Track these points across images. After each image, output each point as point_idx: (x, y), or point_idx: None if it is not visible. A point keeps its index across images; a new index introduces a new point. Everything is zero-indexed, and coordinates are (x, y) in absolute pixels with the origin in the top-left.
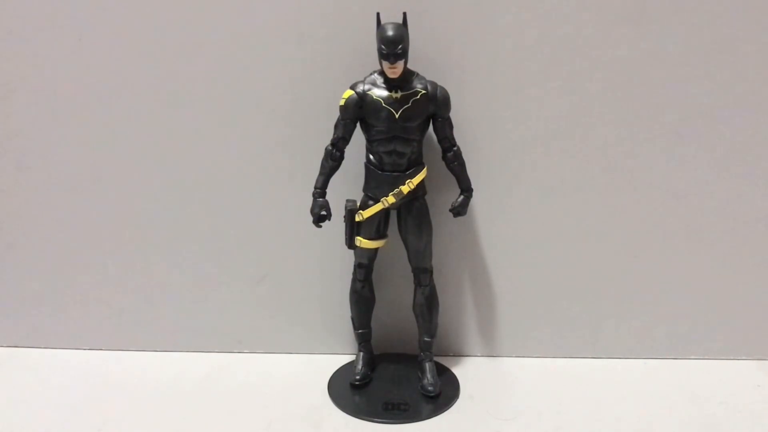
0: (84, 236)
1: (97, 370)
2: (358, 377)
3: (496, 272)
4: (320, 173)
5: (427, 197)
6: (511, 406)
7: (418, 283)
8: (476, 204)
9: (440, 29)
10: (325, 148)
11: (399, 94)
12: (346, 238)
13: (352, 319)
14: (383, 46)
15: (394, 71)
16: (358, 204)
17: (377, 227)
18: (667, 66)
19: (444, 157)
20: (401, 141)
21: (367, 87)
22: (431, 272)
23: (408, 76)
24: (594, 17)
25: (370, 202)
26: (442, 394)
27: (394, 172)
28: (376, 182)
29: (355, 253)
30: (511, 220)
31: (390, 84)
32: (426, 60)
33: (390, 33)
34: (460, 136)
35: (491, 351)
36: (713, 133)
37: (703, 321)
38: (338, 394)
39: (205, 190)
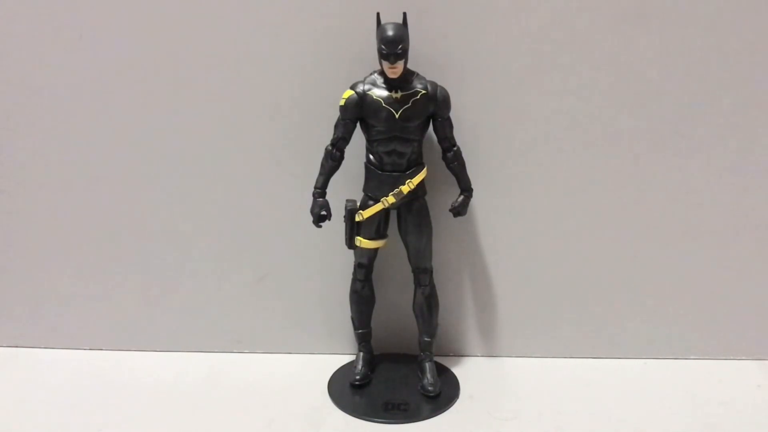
0: (84, 236)
1: (97, 370)
2: (358, 377)
3: (496, 272)
4: (320, 173)
5: (427, 197)
6: (511, 406)
7: (418, 283)
8: (476, 204)
9: (440, 29)
10: (325, 148)
11: (399, 94)
12: (346, 238)
13: (352, 319)
14: (383, 46)
15: (394, 71)
16: (358, 204)
17: (377, 227)
18: (667, 66)
19: (444, 157)
20: (401, 141)
21: (367, 87)
22: (431, 272)
23: (408, 76)
24: (594, 17)
25: (370, 202)
26: (442, 394)
27: (394, 172)
28: (376, 182)
29: (355, 253)
30: (511, 220)
31: (390, 84)
32: (426, 60)
33: (390, 33)
34: (460, 136)
35: (491, 351)
36: (714, 133)
37: (703, 321)
38: (338, 394)
39: (205, 190)
